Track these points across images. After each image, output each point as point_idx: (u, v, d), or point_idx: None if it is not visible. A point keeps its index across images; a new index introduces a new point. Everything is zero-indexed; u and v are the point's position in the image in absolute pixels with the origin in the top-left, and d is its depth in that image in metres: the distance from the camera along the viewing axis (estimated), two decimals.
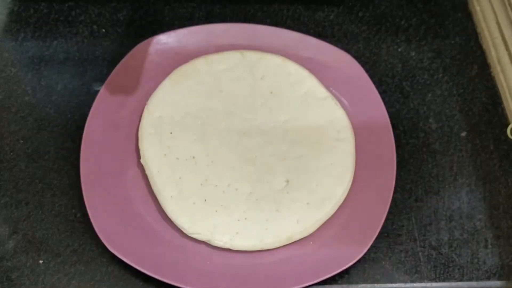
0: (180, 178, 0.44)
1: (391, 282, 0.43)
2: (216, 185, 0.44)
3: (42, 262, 0.42)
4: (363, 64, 0.52)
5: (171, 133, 0.46)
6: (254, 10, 0.58)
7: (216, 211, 0.43)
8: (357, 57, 0.52)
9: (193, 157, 0.45)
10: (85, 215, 0.43)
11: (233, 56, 0.51)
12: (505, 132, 0.51)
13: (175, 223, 0.42)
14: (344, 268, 0.41)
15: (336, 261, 0.41)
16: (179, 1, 0.58)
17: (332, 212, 0.44)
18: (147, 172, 0.44)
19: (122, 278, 0.42)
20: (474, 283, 0.43)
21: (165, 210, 0.43)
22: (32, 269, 0.42)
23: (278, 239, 0.42)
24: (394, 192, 0.45)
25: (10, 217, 0.44)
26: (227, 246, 0.42)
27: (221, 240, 0.42)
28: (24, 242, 0.43)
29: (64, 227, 0.44)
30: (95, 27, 0.56)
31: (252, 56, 0.51)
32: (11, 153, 0.47)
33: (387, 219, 0.44)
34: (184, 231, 0.42)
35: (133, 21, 0.56)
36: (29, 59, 0.53)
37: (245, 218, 0.43)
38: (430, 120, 0.52)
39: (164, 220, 0.43)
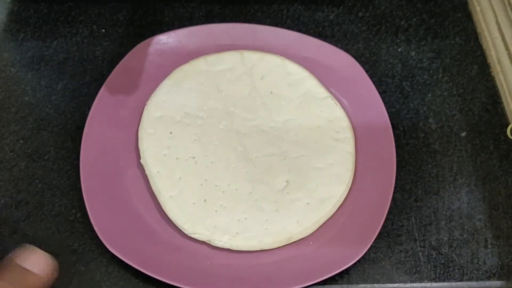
0: (180, 178, 0.44)
1: (391, 282, 0.43)
2: (216, 185, 0.44)
3: None
4: (363, 64, 0.52)
5: (171, 133, 0.46)
6: (254, 10, 0.58)
7: (216, 211, 0.43)
8: (357, 57, 0.52)
9: (193, 157, 0.45)
10: (85, 215, 0.43)
11: (232, 56, 0.51)
12: (505, 132, 0.51)
13: (174, 223, 0.42)
14: (344, 268, 0.41)
15: (336, 261, 0.41)
16: (179, 1, 0.58)
17: (332, 212, 0.44)
18: (147, 172, 0.44)
19: (122, 278, 0.42)
20: (474, 283, 0.43)
21: (165, 210, 0.43)
22: None
23: (278, 239, 0.42)
24: (394, 192, 0.45)
25: (10, 217, 0.44)
26: (226, 246, 0.42)
27: (221, 240, 0.42)
28: (24, 242, 0.43)
29: (64, 227, 0.44)
30: (95, 27, 0.56)
31: (251, 56, 0.51)
32: (11, 153, 0.47)
33: (387, 219, 0.44)
34: (184, 231, 0.42)
35: (133, 21, 0.56)
36: (29, 59, 0.53)
37: (245, 218, 0.43)
38: (430, 120, 0.52)
39: (164, 220, 0.43)
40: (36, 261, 0.27)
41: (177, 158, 0.45)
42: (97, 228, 0.41)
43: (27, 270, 0.26)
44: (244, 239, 0.42)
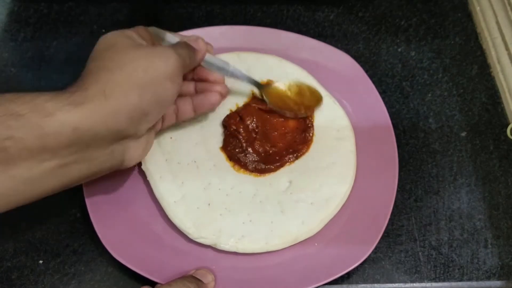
0: (182, 183, 0.43)
1: (391, 282, 0.43)
2: (219, 189, 0.44)
3: (42, 262, 0.42)
4: (363, 64, 0.52)
5: (171, 138, 0.46)
6: (254, 11, 0.58)
7: (220, 214, 0.42)
8: (357, 57, 0.52)
9: (195, 161, 0.45)
10: (85, 215, 0.42)
11: (229, 58, 0.50)
12: (505, 132, 0.51)
13: (179, 228, 0.42)
14: (350, 269, 0.41)
15: (342, 262, 0.41)
16: (179, 1, 0.58)
17: (336, 211, 0.43)
18: (148, 178, 0.44)
19: (122, 278, 0.42)
20: (474, 283, 0.43)
21: (169, 216, 0.42)
22: (32, 269, 0.42)
23: (283, 241, 0.42)
24: None
25: (10, 217, 0.44)
26: (233, 249, 0.41)
27: (227, 243, 0.41)
28: (24, 242, 0.43)
29: (64, 227, 0.44)
30: (95, 27, 0.56)
31: (248, 57, 0.50)
32: None
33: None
34: (189, 236, 0.42)
35: (133, 21, 0.56)
36: (29, 59, 0.53)
37: (250, 221, 0.42)
38: (430, 120, 0.52)
39: (168, 225, 0.43)
40: (203, 275, 0.40)
41: (178, 163, 0.44)
42: (102, 238, 0.41)
43: (200, 281, 0.39)
44: (250, 242, 0.41)
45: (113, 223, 0.42)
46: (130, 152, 0.37)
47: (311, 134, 0.46)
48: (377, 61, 0.55)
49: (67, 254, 0.43)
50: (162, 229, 0.43)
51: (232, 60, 0.50)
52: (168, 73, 0.36)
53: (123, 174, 0.45)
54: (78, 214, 0.44)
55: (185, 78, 0.41)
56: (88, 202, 0.42)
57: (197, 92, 0.44)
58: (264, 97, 0.47)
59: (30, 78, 0.52)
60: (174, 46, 0.39)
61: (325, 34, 0.56)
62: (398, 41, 0.57)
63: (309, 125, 0.47)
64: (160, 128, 0.42)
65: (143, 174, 0.44)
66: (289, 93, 0.48)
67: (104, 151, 0.34)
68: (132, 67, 0.35)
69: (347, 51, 0.52)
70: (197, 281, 0.38)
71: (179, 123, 0.45)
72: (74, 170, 0.33)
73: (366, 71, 0.51)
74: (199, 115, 0.44)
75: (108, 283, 0.42)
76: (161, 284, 0.38)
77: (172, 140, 0.45)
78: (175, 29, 0.52)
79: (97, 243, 0.42)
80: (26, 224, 0.44)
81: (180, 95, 0.42)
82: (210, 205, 0.43)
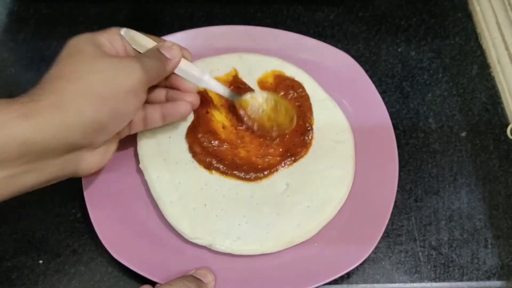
0: (179, 183, 0.43)
1: (391, 282, 0.43)
2: (216, 190, 0.43)
3: (42, 262, 0.42)
4: (363, 64, 0.52)
5: (169, 137, 0.46)
6: (254, 10, 0.58)
7: (216, 215, 0.42)
8: (357, 57, 0.52)
9: (193, 162, 0.44)
10: (85, 215, 0.43)
11: (231, 59, 0.50)
12: (505, 132, 0.51)
13: (175, 228, 0.42)
14: (350, 269, 0.41)
15: (341, 263, 0.41)
16: (179, 1, 0.58)
17: (332, 215, 0.43)
18: (146, 177, 0.44)
19: (122, 278, 0.42)
20: (474, 283, 0.43)
21: (165, 216, 0.42)
22: (32, 269, 0.42)
23: (279, 243, 0.42)
24: None
25: (10, 217, 0.44)
26: (228, 250, 0.41)
27: (222, 244, 0.41)
28: (24, 242, 0.43)
29: (64, 227, 0.44)
30: (95, 27, 0.55)
31: (250, 58, 0.50)
32: None
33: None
34: (185, 236, 0.42)
35: (133, 21, 0.56)
36: (29, 59, 0.53)
37: (246, 223, 0.42)
38: (430, 120, 0.52)
39: (165, 225, 0.43)
40: (204, 275, 0.39)
41: (176, 163, 0.44)
42: (101, 236, 0.41)
43: (200, 280, 0.39)
44: (245, 243, 0.41)
45: (113, 223, 0.42)
46: (85, 162, 0.37)
47: (310, 137, 0.46)
48: (377, 61, 0.55)
49: (67, 254, 0.43)
50: (161, 229, 0.43)
51: (234, 61, 0.50)
52: (131, 88, 0.35)
53: (123, 174, 0.45)
54: (78, 214, 0.44)
55: (155, 85, 0.41)
56: (88, 202, 0.42)
57: (167, 100, 0.42)
58: (238, 108, 0.46)
59: (30, 78, 0.52)
60: (143, 57, 0.38)
61: (325, 34, 0.56)
62: (398, 41, 0.57)
63: (309, 128, 0.47)
64: (127, 134, 0.41)
65: (142, 173, 0.44)
66: (265, 107, 0.46)
67: (55, 162, 0.34)
68: (91, 79, 0.34)
69: (347, 51, 0.52)
70: (198, 280, 0.38)
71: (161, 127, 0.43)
72: (23, 180, 0.33)
73: (366, 71, 0.51)
74: (167, 124, 0.43)
75: (108, 283, 0.42)
76: (161, 283, 0.38)
77: (170, 140, 0.45)
78: (175, 29, 0.52)
79: (97, 243, 0.42)
80: (26, 224, 0.44)
81: (150, 102, 0.41)
82: (206, 206, 0.43)
